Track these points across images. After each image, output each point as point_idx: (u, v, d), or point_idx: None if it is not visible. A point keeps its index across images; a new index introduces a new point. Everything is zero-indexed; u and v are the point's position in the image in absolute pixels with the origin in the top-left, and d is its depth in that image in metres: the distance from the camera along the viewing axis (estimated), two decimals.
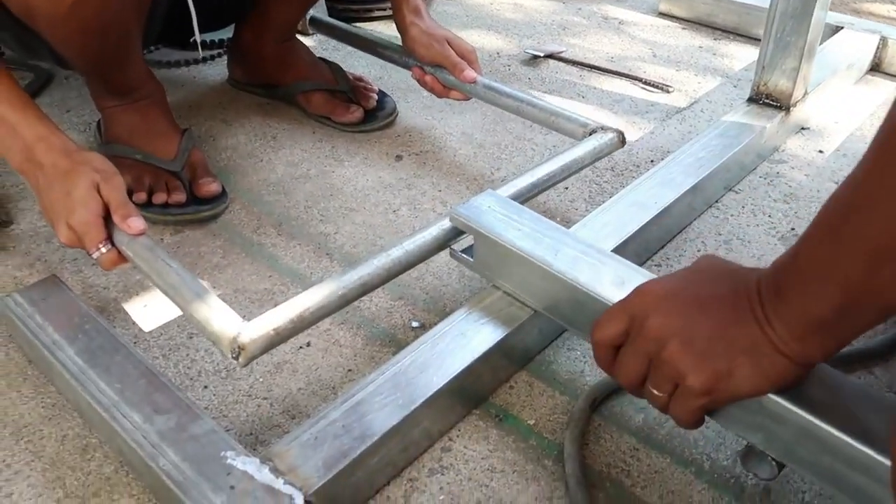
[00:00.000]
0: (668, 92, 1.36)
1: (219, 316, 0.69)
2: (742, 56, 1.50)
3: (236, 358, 0.67)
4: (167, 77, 1.43)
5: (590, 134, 0.99)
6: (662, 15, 1.68)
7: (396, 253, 0.78)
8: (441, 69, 1.12)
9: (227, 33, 1.51)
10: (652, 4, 1.73)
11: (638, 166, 1.16)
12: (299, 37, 1.34)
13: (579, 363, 0.83)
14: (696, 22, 1.63)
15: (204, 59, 1.47)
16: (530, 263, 0.76)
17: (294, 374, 0.82)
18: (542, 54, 1.48)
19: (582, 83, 1.41)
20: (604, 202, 1.06)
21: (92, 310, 0.81)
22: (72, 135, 1.24)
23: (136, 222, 0.79)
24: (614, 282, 0.72)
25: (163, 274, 0.74)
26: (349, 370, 0.82)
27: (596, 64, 1.45)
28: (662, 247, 0.99)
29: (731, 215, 1.05)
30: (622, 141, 0.98)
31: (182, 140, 1.09)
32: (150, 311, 0.90)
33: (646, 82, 1.39)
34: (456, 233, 0.83)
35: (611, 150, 0.98)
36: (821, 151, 1.20)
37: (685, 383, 0.57)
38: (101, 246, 0.79)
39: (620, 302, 0.62)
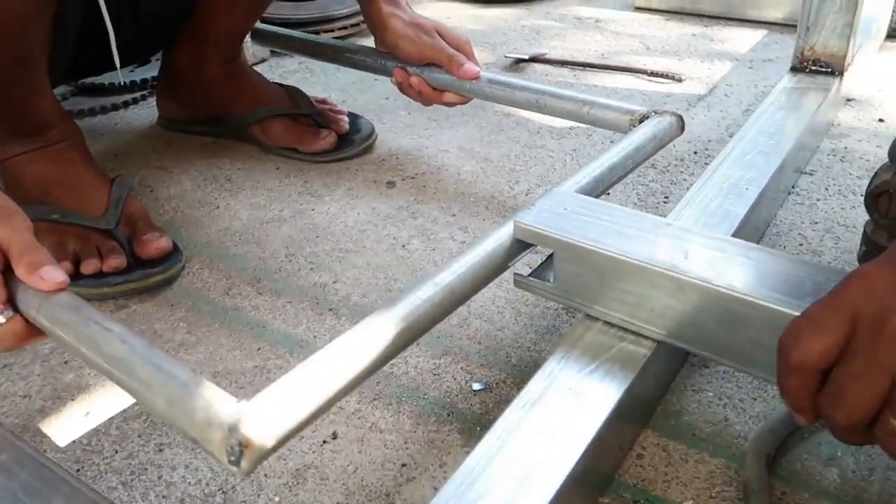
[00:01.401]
0: (679, 81, 1.18)
1: (199, 397, 0.43)
2: (743, 39, 1.35)
3: (236, 462, 0.41)
4: (82, 127, 1.16)
5: (639, 122, 0.78)
6: (639, 9, 1.52)
7: (459, 268, 0.53)
8: (431, 68, 0.90)
9: (148, 72, 1.26)
10: (625, 1, 1.57)
11: (682, 160, 0.96)
12: None
13: (717, 408, 0.60)
14: (679, 12, 1.48)
15: (125, 104, 1.21)
16: (651, 273, 0.53)
17: (324, 482, 0.56)
18: (525, 57, 1.29)
19: (579, 83, 1.21)
20: (662, 204, 0.86)
21: (9, 432, 0.53)
22: None
23: (51, 273, 0.51)
24: (793, 282, 0.50)
25: (100, 344, 0.47)
26: (403, 465, 0.57)
27: (588, 61, 1.27)
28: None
29: (818, 199, 0.86)
30: (681, 126, 0.78)
31: (113, 189, 0.83)
32: (94, 420, 0.63)
33: (652, 73, 1.21)
34: (520, 247, 0.59)
35: (671, 136, 0.77)
36: (881, 120, 1.03)
37: None
38: None
39: (828, 300, 0.41)
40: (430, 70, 0.91)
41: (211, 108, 1.06)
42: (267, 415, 0.42)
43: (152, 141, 1.10)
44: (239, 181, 0.99)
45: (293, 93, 1.05)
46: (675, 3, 1.48)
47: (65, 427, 0.63)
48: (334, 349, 0.47)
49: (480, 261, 0.57)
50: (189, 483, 0.57)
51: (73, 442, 0.61)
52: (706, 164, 0.95)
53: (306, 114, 1.03)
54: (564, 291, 0.59)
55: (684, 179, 0.92)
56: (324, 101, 1.08)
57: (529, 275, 0.61)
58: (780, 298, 0.48)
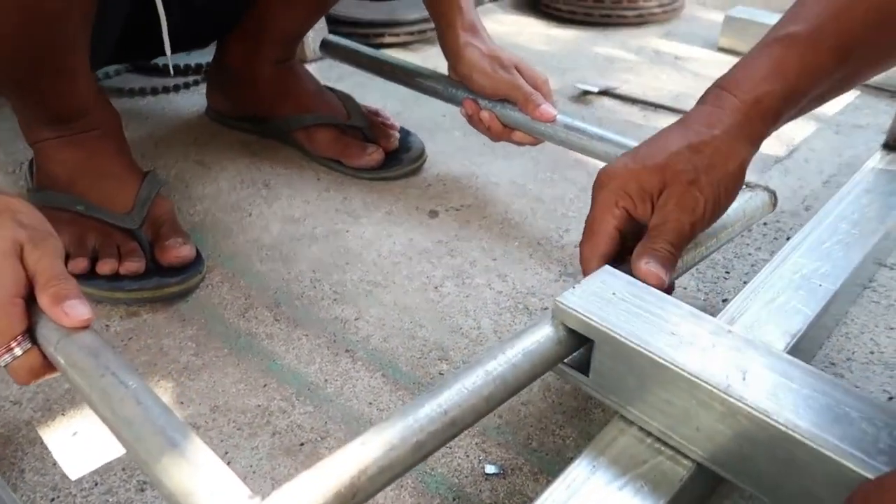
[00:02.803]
0: None
1: (210, 488, 0.38)
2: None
3: None
4: (129, 108, 1.14)
5: None
6: (723, 50, 1.44)
7: (499, 368, 0.48)
8: (504, 104, 0.84)
9: (204, 57, 1.23)
10: (709, 39, 1.48)
11: (749, 231, 0.89)
12: None
13: None
14: None
15: (176, 87, 1.18)
16: (701, 390, 0.47)
17: None
18: (595, 89, 1.21)
19: (648, 125, 1.14)
20: (722, 280, 0.79)
21: None
22: None
23: (77, 308, 0.48)
24: (867, 431, 0.43)
25: (112, 401, 0.44)
26: None
27: (660, 102, 1.19)
28: (820, 346, 0.71)
29: None
30: (773, 203, 0.71)
31: (142, 186, 0.80)
32: (80, 443, 0.59)
33: None
34: (579, 341, 0.53)
35: (762, 214, 0.70)
36: None
37: None
38: (14, 345, 0.48)
39: None
40: (502, 106, 0.85)
41: (258, 107, 1.01)
42: None
43: (196, 132, 1.07)
44: (276, 188, 0.94)
45: (345, 101, 1.01)
46: None
47: (49, 446, 0.59)
48: (358, 447, 0.42)
49: (538, 348, 0.51)
50: None
51: (55, 465, 0.58)
52: (775, 238, 0.87)
53: (356, 126, 0.98)
54: (601, 386, 0.53)
55: (749, 254, 0.84)
56: (377, 113, 1.03)
57: (566, 361, 0.55)
58: (850, 452, 0.42)
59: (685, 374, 0.47)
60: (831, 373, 0.68)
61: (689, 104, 1.21)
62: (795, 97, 0.58)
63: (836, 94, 0.62)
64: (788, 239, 0.80)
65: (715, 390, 0.46)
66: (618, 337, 0.50)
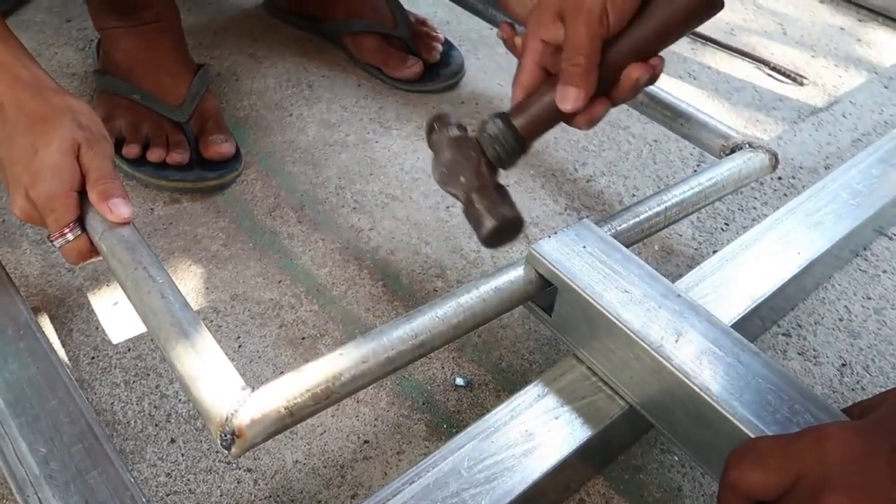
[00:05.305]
0: (801, 84, 1.09)
1: (211, 375, 0.47)
2: (893, 48, 1.22)
3: (227, 447, 0.46)
4: None
5: (730, 152, 0.74)
6: None
7: (470, 301, 0.55)
8: None
9: None
10: None
11: (762, 183, 0.91)
12: None
13: (675, 475, 0.61)
14: None
15: None
16: (637, 346, 0.53)
17: (291, 437, 0.61)
18: None
19: (694, 59, 1.14)
20: (719, 231, 0.83)
21: (33, 320, 0.60)
22: (67, 52, 1.02)
23: (120, 207, 0.56)
24: (771, 402, 0.49)
25: (141, 292, 0.52)
26: (366, 442, 0.61)
27: (712, 36, 1.18)
28: (793, 307, 0.75)
29: (884, 271, 0.81)
30: (773, 165, 0.73)
31: (194, 81, 0.87)
32: (120, 312, 0.70)
33: (774, 68, 1.12)
34: (546, 284, 0.60)
35: (758, 175, 0.73)
36: None
37: None
38: (67, 231, 0.57)
39: (785, 441, 0.42)
40: None
41: (312, 7, 1.06)
42: (264, 411, 0.46)
43: (252, 24, 1.12)
44: (319, 90, 1.00)
45: (394, 9, 1.04)
46: None
47: (94, 311, 0.70)
48: (337, 357, 0.50)
49: (508, 287, 0.58)
50: (178, 401, 0.63)
51: (97, 329, 0.68)
52: (785, 194, 0.90)
53: (400, 36, 1.02)
54: (560, 326, 0.60)
55: (754, 208, 0.87)
56: (424, 23, 1.06)
57: (537, 301, 0.61)
58: (746, 417, 0.48)
59: (626, 330, 0.53)
60: (795, 335, 0.73)
61: (741, 41, 1.20)
62: None
63: None
64: None
65: (648, 348, 0.52)
66: (576, 288, 0.56)
